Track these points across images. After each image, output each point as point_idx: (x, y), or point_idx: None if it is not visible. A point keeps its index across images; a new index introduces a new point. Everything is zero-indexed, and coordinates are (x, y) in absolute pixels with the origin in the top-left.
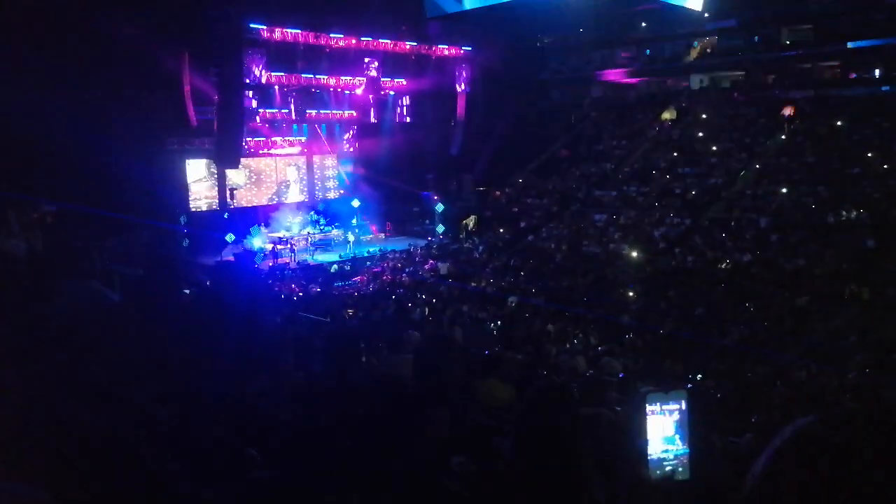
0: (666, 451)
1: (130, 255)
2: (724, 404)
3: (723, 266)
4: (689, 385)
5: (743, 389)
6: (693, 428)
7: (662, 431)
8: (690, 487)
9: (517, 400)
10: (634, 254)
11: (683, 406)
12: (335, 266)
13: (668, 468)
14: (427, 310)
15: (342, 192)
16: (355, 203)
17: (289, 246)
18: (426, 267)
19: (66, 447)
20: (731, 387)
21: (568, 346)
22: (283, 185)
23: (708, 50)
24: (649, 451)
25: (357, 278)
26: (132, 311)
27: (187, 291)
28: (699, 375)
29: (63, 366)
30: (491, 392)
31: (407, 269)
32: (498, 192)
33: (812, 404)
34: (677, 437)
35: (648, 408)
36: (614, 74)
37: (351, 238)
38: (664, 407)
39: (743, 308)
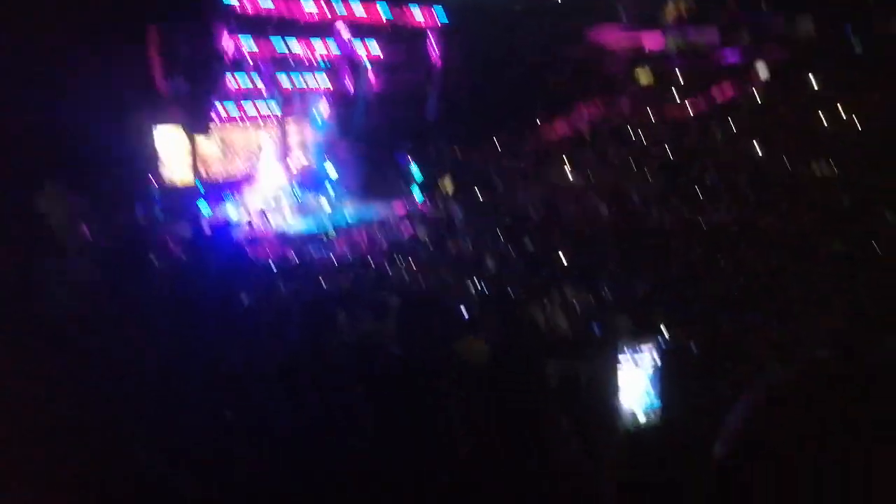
0: (639, 399)
1: (101, 229)
2: (698, 358)
3: (698, 224)
4: (664, 340)
5: (717, 344)
6: (665, 378)
7: (635, 381)
8: (663, 435)
9: (494, 359)
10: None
11: (655, 357)
12: (331, 231)
13: (641, 418)
14: (405, 274)
15: (317, 159)
16: (331, 171)
17: (263, 215)
18: (403, 232)
19: (54, 440)
20: (706, 342)
21: (546, 305)
22: (257, 155)
23: (683, 10)
24: (622, 402)
25: (336, 246)
26: (109, 286)
27: (159, 263)
28: (674, 331)
29: (52, 356)
30: (466, 350)
31: (385, 235)
32: (474, 155)
33: (785, 358)
34: (649, 386)
35: (621, 358)
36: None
37: (323, 206)
38: (636, 357)
39: (718, 266)
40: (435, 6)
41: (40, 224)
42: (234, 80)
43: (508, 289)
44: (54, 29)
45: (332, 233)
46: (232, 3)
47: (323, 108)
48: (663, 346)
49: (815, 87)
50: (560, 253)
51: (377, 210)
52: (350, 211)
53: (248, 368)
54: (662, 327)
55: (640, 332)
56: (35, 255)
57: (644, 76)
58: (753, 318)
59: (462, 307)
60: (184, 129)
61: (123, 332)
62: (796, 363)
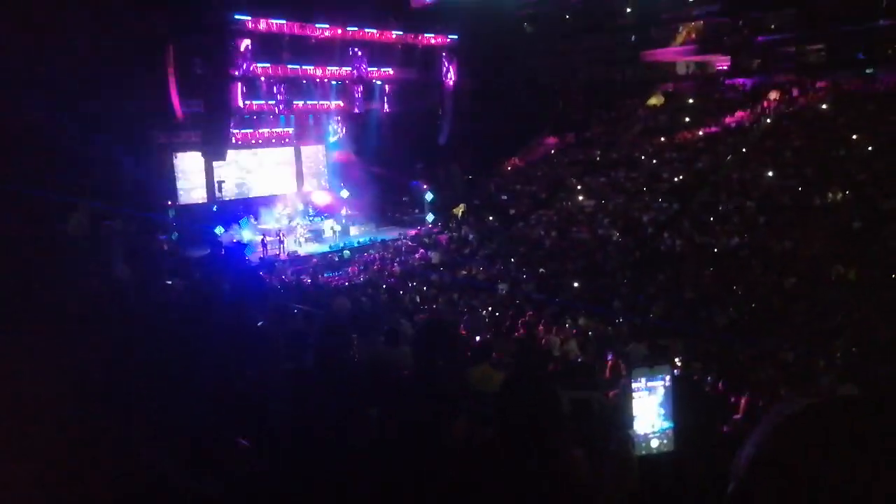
0: (652, 426)
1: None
2: (712, 386)
3: (710, 249)
4: (678, 368)
5: (731, 371)
6: (678, 403)
7: (648, 408)
8: (675, 461)
9: (506, 385)
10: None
11: (668, 382)
12: (346, 252)
13: (653, 442)
14: (418, 298)
15: (330, 182)
16: (344, 194)
17: (278, 238)
18: (416, 256)
19: (62, 442)
20: (720, 369)
21: (558, 331)
22: (271, 176)
23: (693, 35)
24: (636, 428)
25: (349, 269)
26: (121, 303)
27: (169, 283)
28: (688, 358)
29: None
30: (482, 379)
31: (397, 259)
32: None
33: (800, 386)
34: (662, 412)
35: (634, 384)
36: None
37: (337, 228)
38: (650, 383)
39: (731, 291)
40: (447, 30)
41: (64, 240)
42: (249, 102)
43: (522, 314)
44: (84, 69)
45: (346, 253)
46: (246, 26)
47: (336, 130)
48: (677, 372)
49: (826, 112)
50: (572, 278)
51: (389, 232)
52: (363, 233)
53: (261, 390)
54: (675, 352)
55: (654, 358)
56: (57, 269)
57: (655, 100)
58: (766, 343)
59: (475, 332)
60: (200, 151)
61: (137, 348)
62: (812, 395)
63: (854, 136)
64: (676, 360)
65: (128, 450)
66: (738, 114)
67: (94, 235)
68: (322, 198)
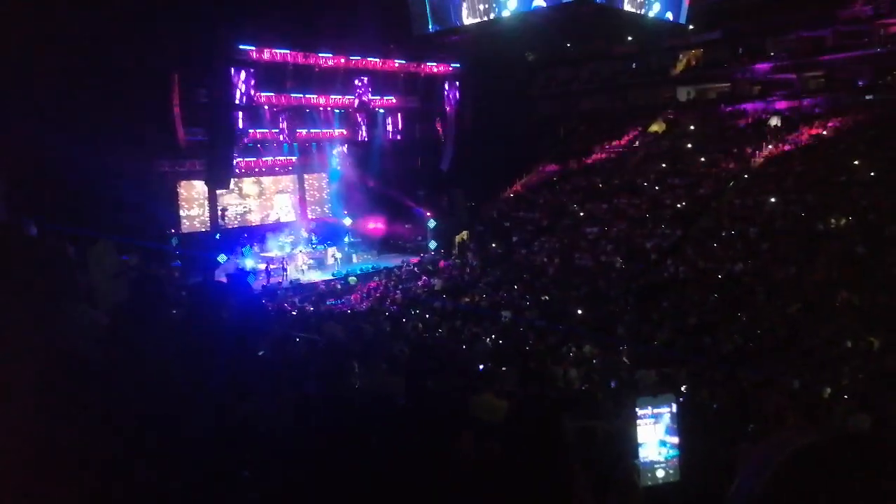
0: (657, 454)
1: (119, 277)
2: (718, 413)
3: (714, 275)
4: (683, 395)
5: (737, 398)
6: (684, 431)
7: (654, 436)
8: (681, 490)
9: (510, 414)
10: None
11: (673, 409)
12: (352, 278)
13: (658, 472)
14: (420, 325)
15: (332, 210)
16: (347, 221)
17: (281, 265)
18: (419, 283)
19: (64, 470)
20: (725, 396)
21: (563, 359)
22: (274, 204)
23: (693, 62)
24: (641, 456)
25: (351, 296)
26: (120, 333)
27: (175, 312)
28: (692, 386)
29: (63, 393)
30: (485, 407)
31: (400, 286)
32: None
33: (805, 413)
34: (668, 439)
35: (639, 412)
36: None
37: (339, 256)
38: (655, 411)
39: (735, 317)
40: (449, 58)
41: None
42: (253, 130)
43: (525, 342)
44: (89, 97)
45: (353, 280)
46: (250, 56)
47: (339, 157)
48: (682, 400)
49: (827, 138)
50: (576, 305)
51: (392, 259)
52: (365, 260)
53: (261, 419)
54: (680, 380)
55: (659, 386)
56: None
57: (657, 126)
58: (771, 370)
59: (478, 361)
60: (203, 179)
61: (135, 376)
62: (820, 425)
63: (855, 162)
64: (682, 387)
65: (127, 480)
66: (739, 140)
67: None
68: (325, 224)
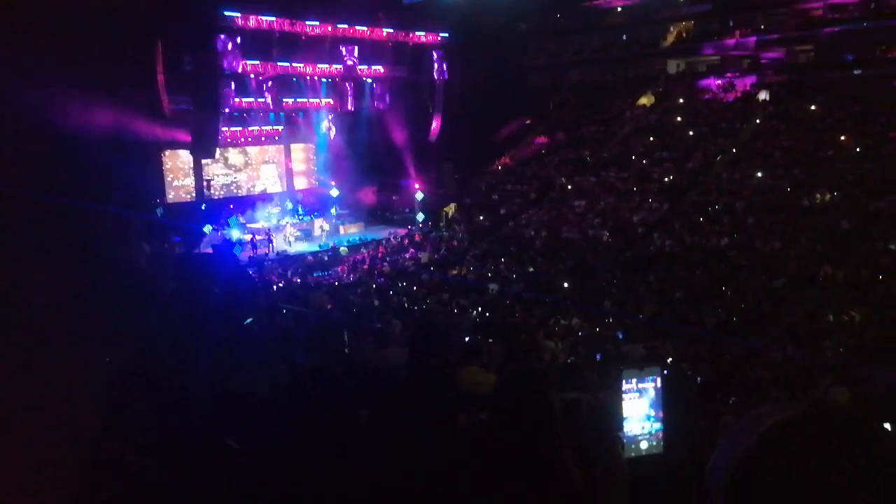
0: (642, 428)
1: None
2: (701, 386)
3: (700, 249)
4: (668, 368)
5: (720, 372)
6: (668, 405)
7: (639, 409)
8: (665, 462)
9: (497, 388)
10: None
11: (658, 383)
12: (344, 248)
13: (642, 444)
14: (405, 299)
15: (319, 180)
16: (334, 192)
17: (267, 237)
18: (407, 255)
19: (51, 441)
20: (709, 369)
21: (549, 332)
22: (260, 175)
23: (684, 34)
24: (625, 430)
25: (338, 268)
26: (112, 303)
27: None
28: (677, 359)
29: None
30: (472, 380)
31: (387, 258)
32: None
33: (787, 386)
34: (652, 413)
35: (624, 386)
36: None
37: (326, 227)
38: (640, 385)
39: (720, 291)
40: (438, 27)
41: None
42: (238, 99)
43: (512, 314)
44: (72, 65)
45: (344, 250)
46: (235, 23)
47: (326, 127)
48: (667, 373)
49: (815, 113)
50: (563, 278)
51: (379, 231)
52: (352, 232)
53: (251, 390)
54: (665, 353)
55: (644, 359)
56: (40, 268)
57: (646, 99)
58: (755, 344)
59: (465, 333)
60: (188, 148)
61: (124, 350)
62: (801, 401)
63: (842, 137)
64: (667, 360)
65: (117, 450)
66: (728, 114)
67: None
68: (312, 195)
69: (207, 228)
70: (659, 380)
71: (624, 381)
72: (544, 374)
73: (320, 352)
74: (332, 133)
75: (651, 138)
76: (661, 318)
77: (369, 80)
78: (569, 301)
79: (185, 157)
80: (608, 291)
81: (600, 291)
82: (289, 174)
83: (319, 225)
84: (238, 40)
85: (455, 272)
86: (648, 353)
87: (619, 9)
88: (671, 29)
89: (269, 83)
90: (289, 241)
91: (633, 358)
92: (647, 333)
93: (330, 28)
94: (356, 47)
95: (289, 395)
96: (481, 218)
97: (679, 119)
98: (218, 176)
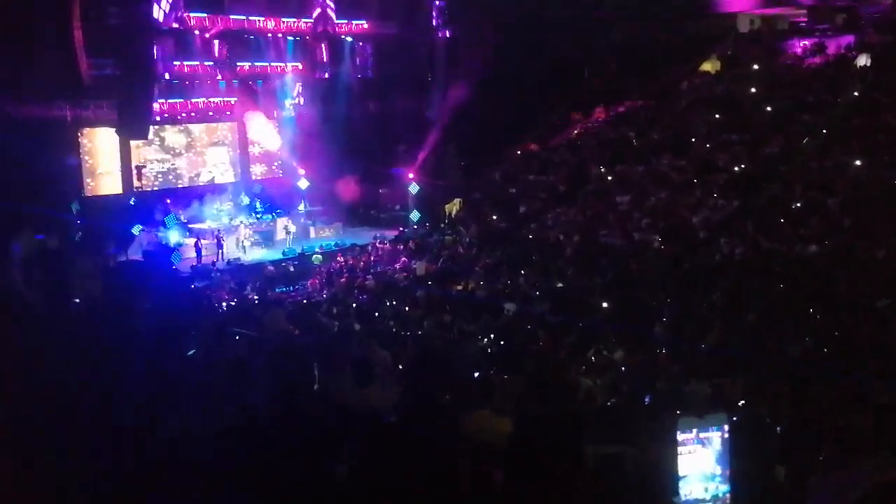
0: (703, 491)
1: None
2: (782, 438)
3: (780, 258)
4: (738, 412)
5: (807, 418)
6: (738, 461)
7: (699, 467)
8: None
9: (515, 437)
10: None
11: (725, 433)
12: (317, 256)
13: None
14: (393, 322)
15: (284, 168)
16: (303, 184)
17: (216, 240)
18: (397, 266)
19: None
20: (792, 414)
21: (584, 366)
22: (208, 160)
23: None
24: (683, 493)
25: (308, 281)
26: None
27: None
28: (751, 401)
29: None
30: (482, 427)
31: (372, 269)
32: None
33: (893, 439)
34: (718, 471)
35: (681, 437)
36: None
37: (292, 229)
38: (701, 435)
39: (807, 313)
40: None
41: None
42: (179, 62)
43: (534, 343)
44: None
45: (318, 258)
46: None
47: (294, 100)
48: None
49: None
50: (601, 296)
51: (362, 235)
52: (327, 234)
53: (190, 441)
54: (735, 393)
55: (708, 403)
56: None
57: (710, 65)
58: (854, 381)
59: (473, 367)
60: (114, 126)
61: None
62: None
63: None
64: (737, 403)
65: None
66: (817, 84)
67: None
68: (275, 187)
69: (137, 229)
70: (726, 428)
71: (681, 431)
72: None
73: (282, 389)
74: (301, 106)
75: (716, 115)
76: (729, 347)
77: (349, 39)
78: (608, 326)
79: (108, 137)
80: (660, 313)
81: (649, 313)
82: (244, 160)
83: (283, 226)
84: None
85: (460, 287)
86: (713, 393)
87: None
88: None
89: (220, 42)
90: (243, 247)
91: (692, 400)
92: (711, 368)
93: None
94: None
95: (240, 446)
96: (495, 218)
97: (753, 90)
98: (152, 162)
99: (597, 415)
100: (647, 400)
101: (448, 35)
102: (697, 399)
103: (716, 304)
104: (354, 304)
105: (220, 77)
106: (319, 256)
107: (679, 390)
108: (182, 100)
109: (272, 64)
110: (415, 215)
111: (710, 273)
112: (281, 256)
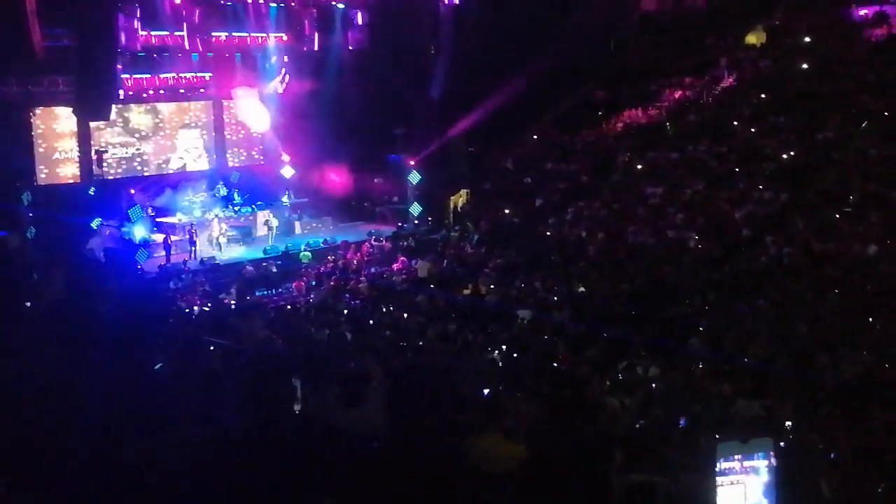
0: None
1: None
2: (837, 466)
3: (838, 260)
4: (786, 436)
5: (865, 445)
6: (788, 492)
7: (743, 498)
8: None
9: (529, 464)
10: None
11: (773, 461)
12: (306, 254)
13: None
14: (390, 332)
15: (266, 154)
16: (287, 172)
17: (188, 236)
18: (395, 267)
19: None
20: (848, 441)
21: (609, 383)
22: (178, 144)
23: None
24: None
25: (293, 284)
26: None
27: (29, 304)
28: (801, 424)
29: None
30: (490, 452)
31: (365, 271)
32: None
33: None
34: (764, 502)
35: (722, 465)
36: None
37: (274, 224)
38: (746, 464)
39: (865, 325)
40: None
41: None
42: (146, 32)
43: (552, 355)
44: None
45: (306, 256)
46: None
47: (277, 76)
48: (785, 446)
49: None
50: (628, 303)
51: (354, 230)
52: (314, 230)
53: (157, 465)
54: (783, 417)
55: (753, 427)
56: None
57: (755, 37)
58: None
59: (481, 384)
60: (71, 105)
61: None
62: None
63: None
64: (785, 426)
65: None
66: (878, 59)
67: None
68: (255, 176)
69: (97, 223)
70: (773, 457)
71: (721, 458)
72: (601, 446)
73: (260, 409)
74: (286, 83)
75: (762, 95)
76: (776, 363)
77: (341, 6)
78: (638, 337)
79: (65, 117)
80: (696, 323)
81: (685, 323)
82: (220, 144)
83: (264, 220)
84: None
85: (467, 292)
86: (759, 415)
87: None
88: None
89: (193, 9)
90: (219, 244)
91: (734, 424)
92: (754, 386)
93: None
94: None
95: (212, 474)
96: (507, 211)
97: (804, 67)
98: (114, 146)
99: (624, 439)
100: (682, 422)
101: (455, 1)
102: (740, 422)
103: (761, 312)
104: (345, 311)
105: (192, 49)
106: (308, 254)
107: (719, 411)
108: (149, 75)
109: (252, 34)
110: (415, 209)
111: (755, 277)
112: (262, 255)
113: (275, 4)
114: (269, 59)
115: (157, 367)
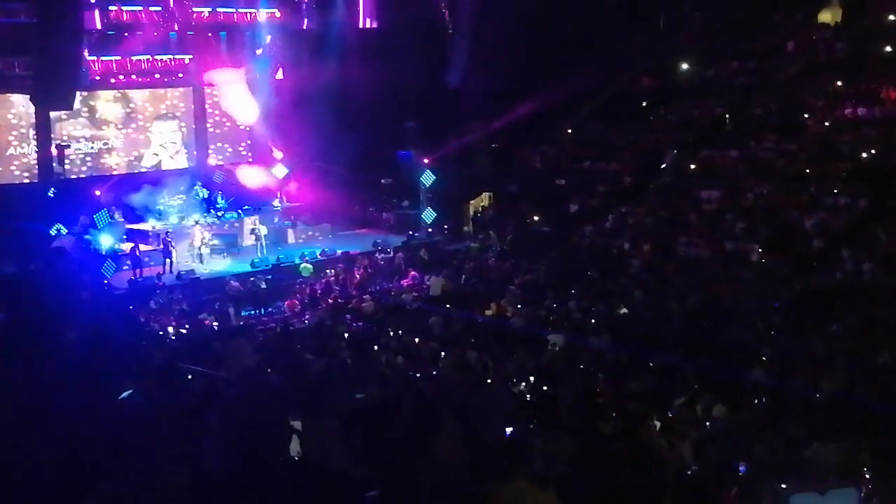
0: None
1: None
2: None
3: None
4: (866, 487)
5: None
6: None
7: None
8: None
9: None
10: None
11: None
12: (307, 265)
13: None
14: (402, 358)
15: (254, 150)
16: (279, 172)
17: (162, 246)
18: (404, 283)
19: None
20: None
21: (657, 421)
22: (153, 138)
23: None
24: None
25: (285, 302)
26: None
27: None
28: (885, 469)
29: None
30: (517, 502)
31: (370, 287)
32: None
33: None
34: None
35: None
36: None
37: (264, 232)
38: None
39: None
40: None
41: None
42: (116, 6)
43: (589, 389)
44: None
45: (307, 268)
46: None
47: (268, 58)
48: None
49: None
50: (680, 326)
51: (357, 240)
52: (310, 240)
53: None
54: (863, 459)
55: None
56: None
57: (830, 15)
58: None
59: (504, 421)
60: (28, 94)
61: None
62: None
63: None
64: (866, 474)
65: None
66: None
67: None
68: (241, 175)
69: (56, 230)
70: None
71: None
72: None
73: (246, 448)
74: (278, 68)
75: (838, 83)
76: (855, 398)
77: None
78: (690, 367)
79: (21, 106)
80: (760, 351)
81: (746, 351)
82: (201, 138)
83: (252, 227)
84: None
85: (489, 312)
86: (837, 460)
87: None
88: None
89: None
90: (199, 255)
91: (807, 469)
92: (830, 426)
93: None
94: None
95: None
96: (536, 218)
97: (887, 49)
98: (78, 140)
99: (675, 487)
100: (741, 468)
101: None
102: (813, 468)
103: (836, 339)
104: (346, 334)
105: (169, 27)
106: (309, 267)
107: (788, 455)
108: (119, 57)
109: (240, 10)
110: (428, 215)
111: (829, 297)
112: (249, 269)
113: None
114: (260, 40)
115: (124, 395)
